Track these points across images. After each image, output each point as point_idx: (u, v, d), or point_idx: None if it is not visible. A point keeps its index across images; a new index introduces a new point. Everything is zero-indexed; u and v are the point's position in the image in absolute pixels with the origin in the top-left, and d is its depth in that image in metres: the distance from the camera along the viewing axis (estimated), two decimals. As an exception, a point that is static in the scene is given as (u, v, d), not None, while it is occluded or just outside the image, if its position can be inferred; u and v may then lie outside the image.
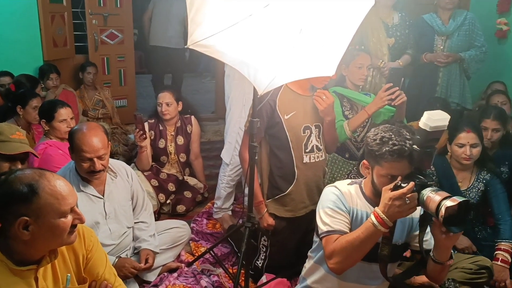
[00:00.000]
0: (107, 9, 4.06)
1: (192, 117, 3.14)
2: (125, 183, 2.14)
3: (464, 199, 1.35)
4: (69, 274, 1.33)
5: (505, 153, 2.85)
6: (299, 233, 2.27)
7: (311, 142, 2.16)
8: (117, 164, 2.16)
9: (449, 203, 1.34)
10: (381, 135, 1.58)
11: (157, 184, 2.89)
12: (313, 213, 1.89)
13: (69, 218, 1.22)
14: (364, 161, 1.67)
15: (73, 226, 1.24)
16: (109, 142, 1.97)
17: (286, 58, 1.53)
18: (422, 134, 1.46)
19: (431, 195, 1.40)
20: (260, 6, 1.35)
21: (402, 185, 1.45)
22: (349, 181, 1.78)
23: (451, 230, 1.44)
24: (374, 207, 1.64)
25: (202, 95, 6.13)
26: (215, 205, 2.85)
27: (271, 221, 2.17)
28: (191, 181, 3.13)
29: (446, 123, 1.44)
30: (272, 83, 1.62)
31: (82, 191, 1.94)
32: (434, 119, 1.42)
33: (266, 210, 2.18)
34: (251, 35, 1.44)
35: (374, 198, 1.67)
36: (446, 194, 1.38)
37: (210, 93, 5.66)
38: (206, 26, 1.33)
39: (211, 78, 6.35)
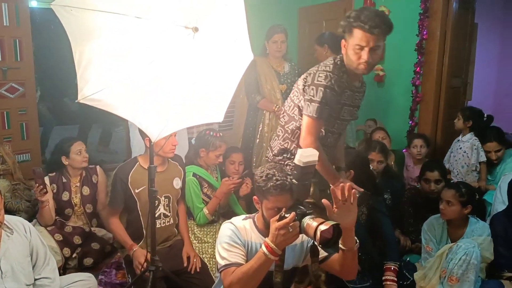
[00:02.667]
0: (6, 63, 3.97)
1: (98, 167, 3.14)
2: (23, 239, 2.08)
3: (335, 223, 1.52)
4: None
5: (386, 182, 3.24)
6: None
7: (159, 210, 2.50)
8: (13, 220, 2.10)
9: (322, 227, 1.51)
10: (266, 172, 1.77)
11: (61, 238, 2.81)
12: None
13: None
14: (255, 197, 1.85)
15: None
16: (1, 197, 1.94)
17: (175, 108, 1.69)
18: (297, 169, 1.68)
19: (310, 222, 1.57)
20: (144, 64, 1.51)
21: (286, 215, 1.60)
22: (244, 216, 1.94)
23: (327, 252, 1.64)
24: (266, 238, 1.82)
25: (115, 144, 6.07)
26: None
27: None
28: (99, 232, 3.08)
29: (316, 158, 1.67)
30: (164, 130, 1.77)
31: (-26, 250, 1.87)
32: (305, 155, 1.65)
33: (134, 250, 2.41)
34: (139, 89, 1.58)
35: (265, 230, 1.83)
36: (322, 220, 1.55)
37: (123, 142, 5.63)
38: (94, 82, 1.45)
39: (124, 127, 6.33)
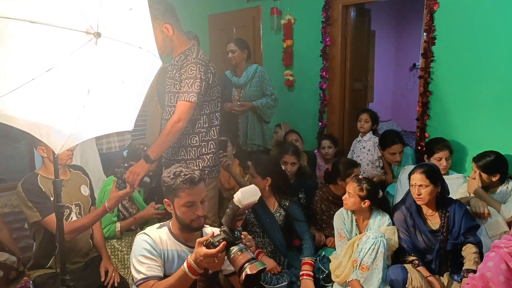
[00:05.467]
0: None
1: None
2: None
3: (263, 267, 1.49)
4: None
5: (300, 182, 3.38)
6: None
7: (71, 218, 2.39)
8: None
9: (249, 271, 1.46)
10: (173, 171, 1.79)
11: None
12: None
13: None
14: (165, 199, 1.83)
15: None
16: None
17: (78, 117, 1.60)
18: (234, 208, 1.52)
19: (237, 254, 1.51)
20: (42, 71, 1.42)
21: (215, 242, 1.54)
22: (158, 225, 1.90)
23: None
24: (182, 243, 1.80)
25: (17, 160, 5.59)
26: None
27: None
28: (1, 256, 2.81)
29: (257, 198, 1.54)
30: (68, 142, 1.67)
31: None
32: (246, 196, 1.50)
33: None
34: (38, 97, 1.47)
35: (181, 234, 1.82)
36: (249, 257, 1.50)
37: (26, 158, 5.20)
38: (-16, 92, 1.33)
39: (26, 142, 5.85)
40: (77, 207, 2.44)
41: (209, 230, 1.89)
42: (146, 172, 2.35)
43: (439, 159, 3.17)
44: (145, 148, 2.85)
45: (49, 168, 2.36)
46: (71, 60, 1.49)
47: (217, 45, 5.09)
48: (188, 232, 1.82)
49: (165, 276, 1.72)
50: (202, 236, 1.84)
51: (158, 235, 1.82)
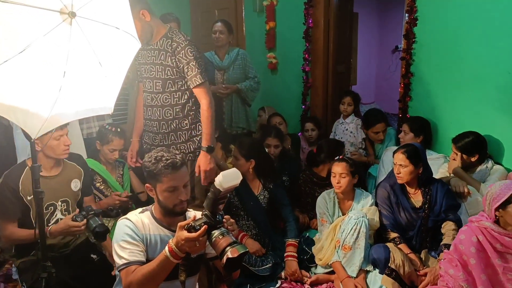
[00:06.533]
0: None
1: None
2: None
3: (244, 250, 1.47)
4: None
5: (284, 165, 3.39)
6: None
7: (55, 216, 2.34)
8: None
9: (230, 254, 1.44)
10: (154, 155, 1.76)
11: None
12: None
13: None
14: (147, 184, 1.81)
15: None
16: None
17: (55, 101, 1.56)
18: (216, 192, 1.50)
19: (219, 238, 1.50)
20: (15, 52, 1.37)
21: (196, 226, 1.52)
22: (140, 209, 1.89)
23: (228, 274, 1.63)
24: (165, 228, 1.79)
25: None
26: None
27: None
28: (-19, 245, 2.77)
29: (239, 181, 1.52)
30: (45, 125, 1.63)
31: None
32: (227, 180, 1.47)
33: None
34: (12, 80, 1.43)
35: (164, 219, 1.81)
36: (230, 240, 1.48)
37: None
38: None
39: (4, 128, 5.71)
40: (64, 204, 2.39)
41: (192, 213, 1.88)
42: (212, 162, 2.50)
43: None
44: (107, 127, 2.83)
45: (44, 164, 2.29)
46: (45, 41, 1.45)
47: (198, 27, 5.02)
48: (171, 216, 1.81)
49: (148, 261, 1.71)
50: (185, 220, 1.83)
51: (140, 219, 1.80)
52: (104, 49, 1.64)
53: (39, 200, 1.84)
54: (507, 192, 2.03)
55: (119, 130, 2.87)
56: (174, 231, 1.68)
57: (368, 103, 7.70)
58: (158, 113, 2.57)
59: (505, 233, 2.08)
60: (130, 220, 1.77)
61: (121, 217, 1.82)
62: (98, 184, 2.79)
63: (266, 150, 3.29)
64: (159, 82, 2.52)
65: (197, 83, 2.45)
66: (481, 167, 2.93)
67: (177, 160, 1.74)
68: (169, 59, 2.46)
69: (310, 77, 4.27)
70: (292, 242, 2.79)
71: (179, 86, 2.52)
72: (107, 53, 1.67)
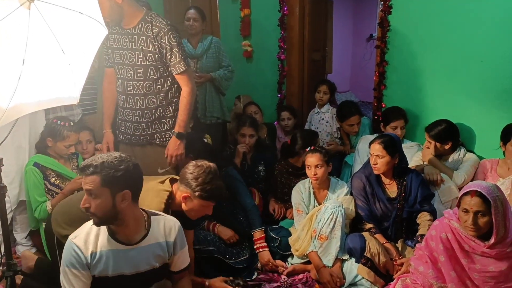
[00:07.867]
0: None
1: None
2: None
3: None
4: None
5: (259, 154, 3.35)
6: None
7: None
8: None
9: None
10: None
11: None
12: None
13: None
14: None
15: None
16: None
17: (14, 90, 1.47)
18: None
19: None
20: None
21: None
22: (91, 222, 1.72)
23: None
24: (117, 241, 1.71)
25: None
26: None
27: None
28: None
29: None
30: (5, 116, 1.54)
31: None
32: None
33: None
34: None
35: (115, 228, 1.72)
36: None
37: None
38: None
39: None
40: None
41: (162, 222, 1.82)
42: (181, 149, 2.49)
43: (395, 128, 3.23)
44: (59, 122, 2.66)
45: None
46: (1, 26, 1.35)
47: (172, 14, 4.88)
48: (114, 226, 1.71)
49: (99, 277, 1.68)
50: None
51: (85, 239, 1.67)
52: (66, 35, 1.56)
53: (2, 195, 1.76)
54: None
55: (72, 124, 2.73)
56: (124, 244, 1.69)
57: (344, 92, 7.73)
58: (141, 101, 2.48)
59: (471, 238, 2.00)
60: (75, 244, 1.66)
61: (70, 237, 1.69)
62: (53, 180, 2.68)
63: (241, 140, 3.24)
64: (140, 69, 2.41)
65: (181, 70, 2.40)
66: (454, 155, 2.97)
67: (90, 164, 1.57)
68: (150, 45, 2.36)
69: (285, 65, 4.23)
70: (258, 233, 2.73)
71: (161, 72, 2.44)
72: (70, 40, 1.58)
